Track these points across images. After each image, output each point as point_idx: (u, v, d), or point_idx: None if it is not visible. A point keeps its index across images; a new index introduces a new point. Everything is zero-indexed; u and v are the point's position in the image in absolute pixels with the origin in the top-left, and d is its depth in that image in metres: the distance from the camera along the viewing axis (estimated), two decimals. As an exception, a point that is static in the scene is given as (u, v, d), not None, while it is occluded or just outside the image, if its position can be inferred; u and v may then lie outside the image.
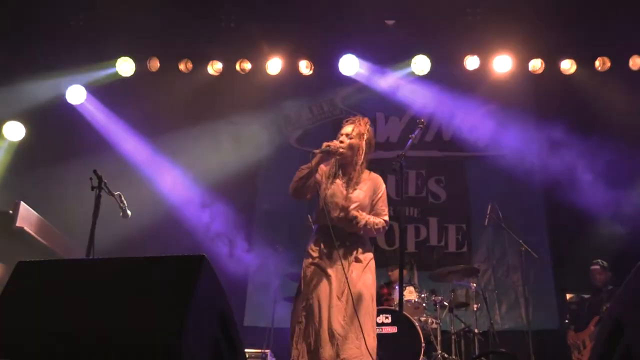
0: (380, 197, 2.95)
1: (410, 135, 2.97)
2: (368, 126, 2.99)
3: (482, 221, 5.35)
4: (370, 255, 2.93)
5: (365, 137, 2.94)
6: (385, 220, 2.89)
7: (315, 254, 2.83)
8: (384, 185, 3.01)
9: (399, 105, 6.61)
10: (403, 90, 6.53)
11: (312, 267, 2.82)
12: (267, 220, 6.50)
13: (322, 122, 6.98)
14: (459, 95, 6.54)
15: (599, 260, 5.48)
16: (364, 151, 2.91)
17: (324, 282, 2.72)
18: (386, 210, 2.95)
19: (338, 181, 2.92)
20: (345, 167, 2.97)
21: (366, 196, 2.91)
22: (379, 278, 3.09)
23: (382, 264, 4.71)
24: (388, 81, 6.50)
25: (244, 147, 6.59)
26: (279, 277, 5.34)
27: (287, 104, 6.92)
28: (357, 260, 2.83)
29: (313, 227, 2.97)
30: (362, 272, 2.81)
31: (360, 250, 2.87)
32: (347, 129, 2.97)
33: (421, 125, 3.02)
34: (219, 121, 6.57)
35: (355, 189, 2.89)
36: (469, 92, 6.56)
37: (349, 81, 6.57)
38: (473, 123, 6.63)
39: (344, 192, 2.89)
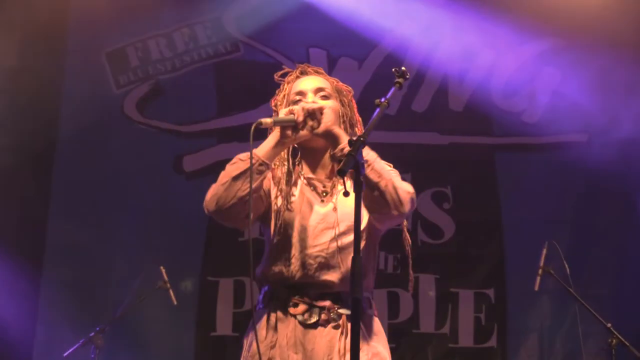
0: None
1: (378, 100, 2.56)
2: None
3: (528, 283, 4.88)
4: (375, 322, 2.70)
5: (347, 98, 2.81)
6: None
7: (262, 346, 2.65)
8: None
9: (358, 35, 5.81)
10: (368, 4, 5.77)
11: None
12: (69, 271, 5.57)
13: (196, 67, 6.07)
14: (484, 15, 5.72)
15: None
16: (352, 123, 2.79)
17: None
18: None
19: (306, 188, 2.71)
20: (314, 158, 2.76)
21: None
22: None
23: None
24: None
25: (21, 115, 5.57)
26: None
27: (118, 29, 5.95)
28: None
29: (262, 288, 2.77)
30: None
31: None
32: (313, 82, 2.78)
33: (400, 80, 2.64)
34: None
35: (335, 193, 2.69)
36: (507, 12, 5.72)
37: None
38: (514, 76, 5.88)
39: (320, 207, 2.70)
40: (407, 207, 2.57)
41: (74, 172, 5.80)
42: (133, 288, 4.93)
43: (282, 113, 2.64)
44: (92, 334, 4.56)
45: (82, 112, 5.75)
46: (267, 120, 2.58)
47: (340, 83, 2.86)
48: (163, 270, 4.74)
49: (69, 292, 5.47)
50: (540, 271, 4.75)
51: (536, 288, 4.79)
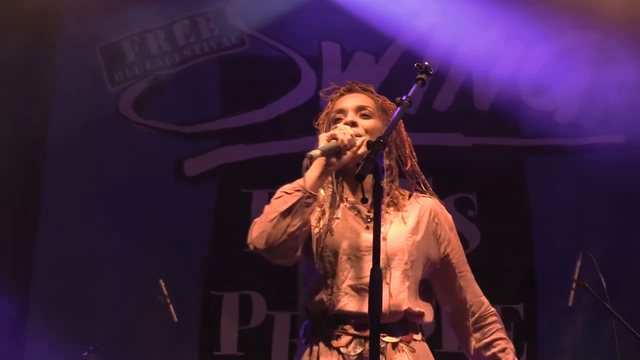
0: (457, 249, 2.72)
1: (398, 98, 2.55)
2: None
3: (561, 297, 4.77)
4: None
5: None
6: (496, 316, 2.70)
7: None
8: (451, 219, 2.85)
9: (374, 28, 5.71)
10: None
11: None
12: (60, 285, 5.46)
13: (198, 63, 5.95)
14: (510, 6, 5.66)
15: None
16: (397, 144, 2.77)
17: None
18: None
19: (348, 212, 2.69)
20: (355, 180, 2.64)
21: (416, 234, 2.64)
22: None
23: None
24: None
25: (6, 116, 5.46)
26: None
27: (113, 22, 5.83)
28: None
29: (305, 322, 2.74)
30: None
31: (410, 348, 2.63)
32: (355, 100, 2.77)
33: (423, 76, 2.61)
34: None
35: (386, 222, 2.65)
36: (537, 3, 5.69)
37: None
38: (544, 72, 5.74)
39: (366, 234, 2.64)
40: None
41: (65, 177, 5.66)
42: (130, 303, 4.88)
43: (323, 139, 2.56)
44: (86, 353, 4.51)
45: (74, 112, 5.60)
46: (317, 153, 2.50)
47: (387, 101, 2.79)
48: (162, 284, 4.67)
49: (60, 308, 5.35)
50: (574, 284, 4.59)
51: (570, 303, 4.61)
